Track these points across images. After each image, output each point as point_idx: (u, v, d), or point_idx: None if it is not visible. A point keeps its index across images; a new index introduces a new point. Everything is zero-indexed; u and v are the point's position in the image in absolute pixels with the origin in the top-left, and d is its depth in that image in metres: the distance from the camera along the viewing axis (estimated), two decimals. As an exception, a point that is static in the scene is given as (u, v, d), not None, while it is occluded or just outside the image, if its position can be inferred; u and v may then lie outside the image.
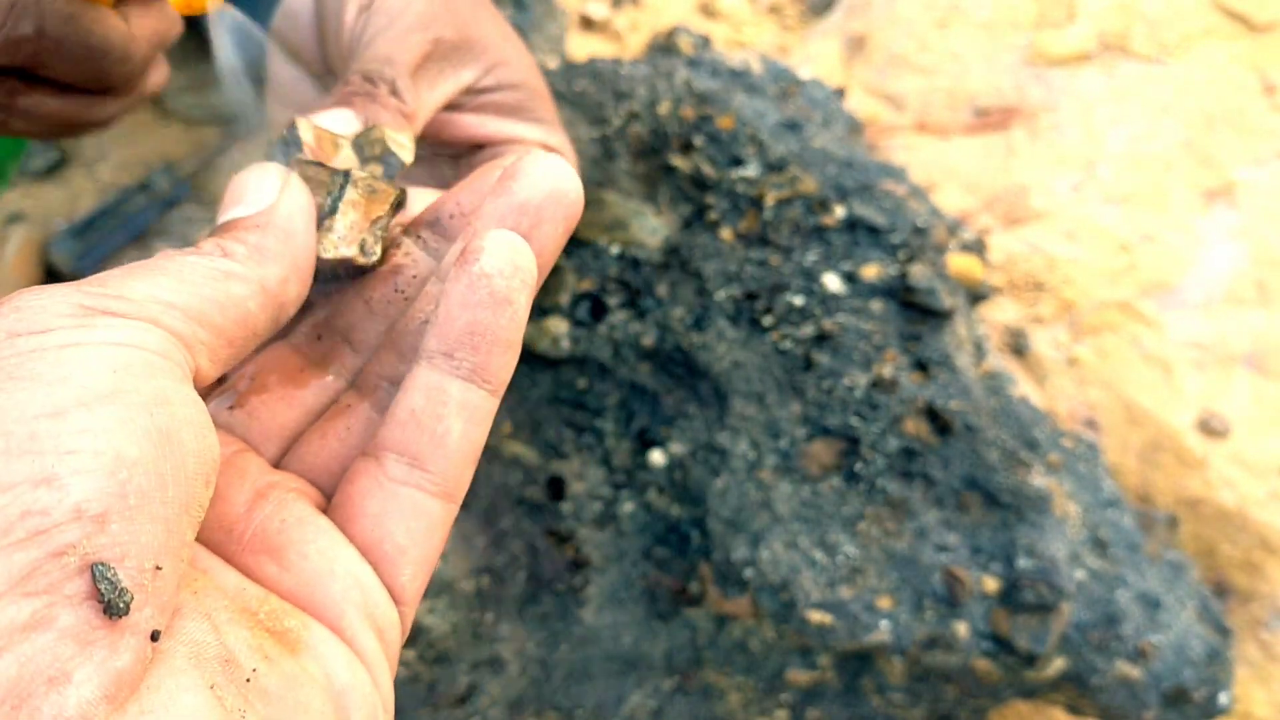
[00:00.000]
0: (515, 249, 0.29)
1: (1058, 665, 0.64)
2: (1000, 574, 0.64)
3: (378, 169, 0.39)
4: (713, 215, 0.72)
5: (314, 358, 0.34)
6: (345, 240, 0.34)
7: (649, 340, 0.69)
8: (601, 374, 0.69)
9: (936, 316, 0.70)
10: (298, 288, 0.30)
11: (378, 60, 0.42)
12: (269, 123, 0.54)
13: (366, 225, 0.35)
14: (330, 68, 0.51)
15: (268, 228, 0.30)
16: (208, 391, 0.33)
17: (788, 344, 0.68)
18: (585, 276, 0.70)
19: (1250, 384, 0.90)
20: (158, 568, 0.21)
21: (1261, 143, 1.03)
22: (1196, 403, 0.90)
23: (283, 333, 0.35)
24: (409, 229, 0.36)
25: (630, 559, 0.68)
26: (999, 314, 0.95)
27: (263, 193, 0.31)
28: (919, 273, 0.70)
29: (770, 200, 0.72)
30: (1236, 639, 0.76)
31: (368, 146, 0.39)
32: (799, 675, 0.67)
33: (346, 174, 0.35)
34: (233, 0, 0.52)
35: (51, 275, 0.90)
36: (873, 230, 0.72)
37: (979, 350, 0.75)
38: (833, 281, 0.70)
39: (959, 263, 0.76)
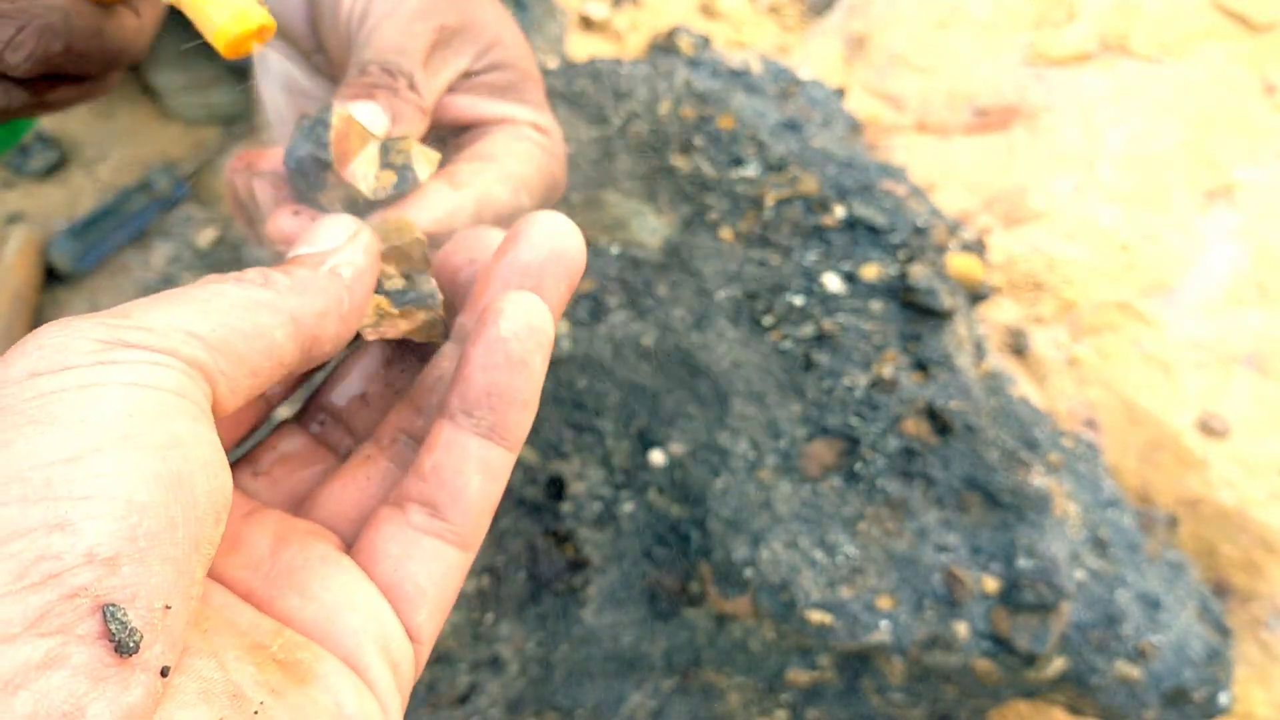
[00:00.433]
0: (532, 312, 0.31)
1: (1058, 665, 0.64)
2: (1000, 574, 0.64)
3: (391, 177, 0.39)
4: (713, 215, 0.72)
5: (330, 443, 0.36)
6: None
7: (649, 340, 0.69)
8: (601, 374, 0.69)
9: (936, 316, 0.70)
10: (337, 326, 0.30)
11: (392, 50, 0.43)
12: (258, 99, 0.54)
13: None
14: (321, 44, 0.51)
15: (318, 265, 0.31)
16: (232, 426, 0.34)
17: (788, 344, 0.68)
18: (585, 276, 0.70)
19: (1250, 384, 0.90)
20: (167, 607, 0.22)
21: (1261, 143, 1.03)
22: (1196, 403, 0.90)
23: (302, 420, 0.36)
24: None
25: (630, 559, 0.67)
26: (999, 314, 0.95)
27: (331, 237, 0.32)
28: (919, 273, 0.70)
29: (770, 200, 0.72)
30: (1236, 639, 0.76)
31: (394, 154, 0.39)
32: (799, 675, 0.67)
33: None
34: None
35: (51, 275, 0.91)
36: (873, 230, 0.72)
37: (979, 350, 0.75)
38: (833, 281, 0.70)
39: (959, 263, 0.76)
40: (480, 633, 0.68)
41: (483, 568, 0.68)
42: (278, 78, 0.53)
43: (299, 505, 0.33)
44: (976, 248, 0.79)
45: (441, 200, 0.42)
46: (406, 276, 0.36)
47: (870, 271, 0.70)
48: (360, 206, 0.40)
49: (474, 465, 0.31)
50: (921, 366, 0.69)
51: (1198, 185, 1.01)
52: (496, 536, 0.68)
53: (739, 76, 0.86)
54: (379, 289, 0.35)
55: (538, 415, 0.33)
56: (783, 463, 0.66)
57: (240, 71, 0.96)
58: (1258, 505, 0.85)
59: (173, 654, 0.22)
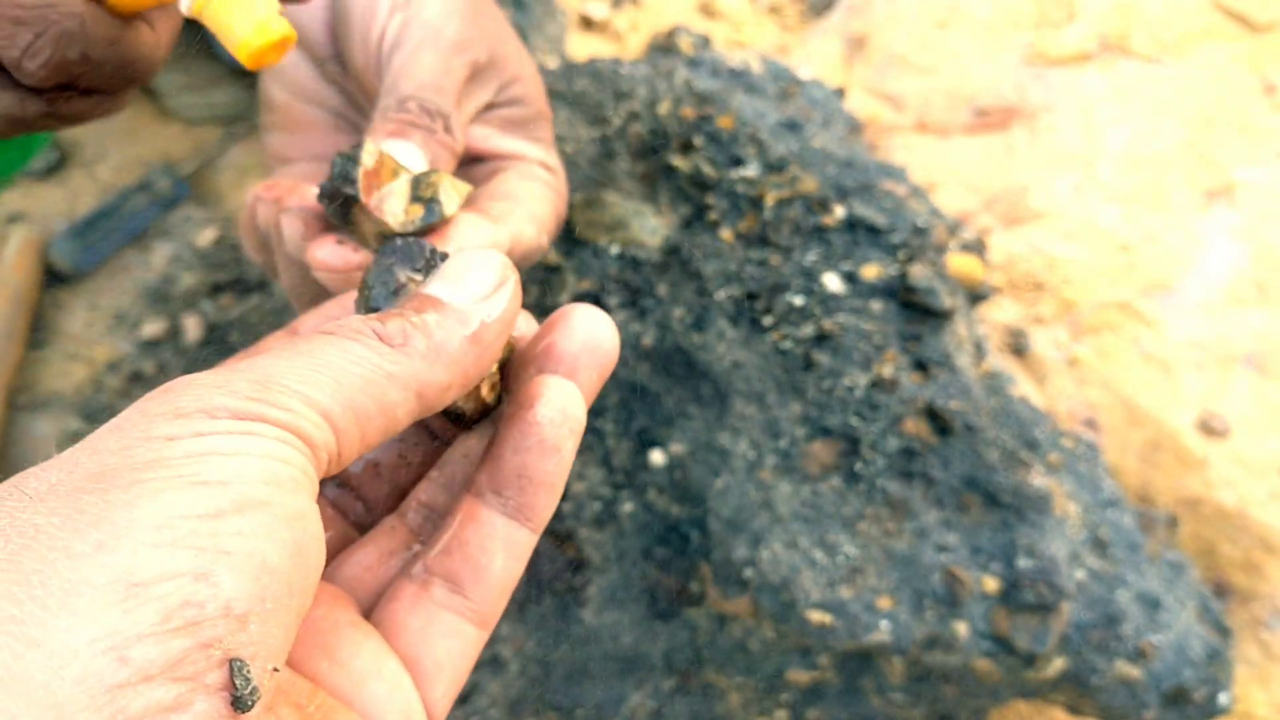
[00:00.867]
0: (568, 398, 0.31)
1: (1058, 665, 0.64)
2: (1000, 574, 0.64)
3: (419, 210, 0.40)
4: (713, 215, 0.72)
5: (341, 507, 0.36)
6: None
7: (649, 340, 0.69)
8: (601, 374, 0.69)
9: (936, 316, 0.70)
10: (454, 396, 0.30)
11: (431, 89, 0.43)
12: (263, 100, 0.54)
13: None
14: (340, 56, 0.51)
15: (459, 327, 0.29)
16: None
17: (788, 344, 0.68)
18: (585, 276, 0.70)
19: (1250, 384, 0.90)
20: (275, 669, 0.23)
21: (1261, 143, 1.03)
22: (1196, 403, 0.90)
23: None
24: None
25: (630, 559, 0.67)
26: (999, 314, 0.95)
27: (478, 284, 0.31)
28: (919, 273, 0.70)
29: (770, 200, 0.72)
30: (1236, 639, 0.76)
31: (423, 186, 0.40)
32: (799, 675, 0.67)
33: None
34: None
35: (51, 275, 0.91)
36: (873, 230, 0.72)
37: (979, 350, 0.75)
38: (833, 281, 0.70)
39: (959, 263, 0.76)
40: (480, 633, 0.68)
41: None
42: (286, 83, 0.53)
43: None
44: (976, 248, 0.79)
45: (483, 232, 0.43)
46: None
47: (870, 271, 0.70)
48: (390, 239, 0.41)
49: (499, 543, 0.31)
50: (921, 366, 0.69)
51: (1198, 185, 1.01)
52: (496, 536, 0.68)
53: (739, 76, 0.86)
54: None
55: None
56: (783, 463, 0.66)
57: (240, 72, 0.96)
58: (1258, 505, 0.85)
59: (269, 717, 0.24)
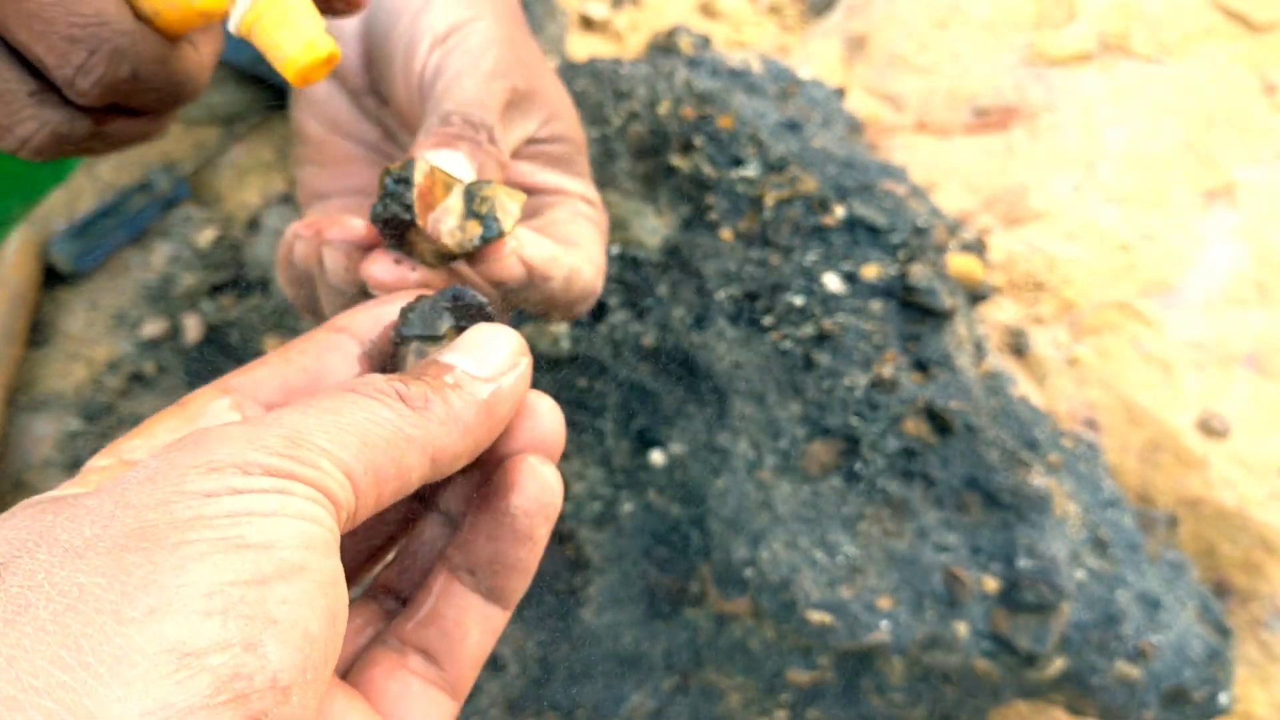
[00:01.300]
0: (544, 485, 0.32)
1: (1058, 665, 0.64)
2: (1000, 574, 0.64)
3: (476, 227, 0.40)
4: (713, 215, 0.72)
5: None
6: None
7: (649, 340, 0.69)
8: (601, 374, 0.69)
9: (936, 316, 0.70)
10: (463, 464, 0.30)
11: (473, 104, 0.43)
12: (296, 132, 0.53)
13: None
14: (382, 91, 0.51)
15: (475, 398, 0.30)
16: None
17: (788, 344, 0.68)
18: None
19: (1250, 384, 0.90)
20: None
21: (1261, 143, 1.03)
22: (1196, 403, 0.90)
23: None
24: None
25: (630, 559, 0.67)
26: (999, 314, 0.95)
27: (496, 358, 0.31)
28: (919, 273, 0.70)
29: (770, 200, 0.72)
30: (1236, 639, 0.76)
31: (478, 202, 0.40)
32: (799, 675, 0.67)
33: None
34: None
35: (51, 275, 0.91)
36: (873, 230, 0.72)
37: (979, 350, 0.75)
38: (833, 281, 0.70)
39: (959, 263, 0.76)
40: (480, 633, 0.68)
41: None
42: (322, 117, 0.52)
43: None
44: (976, 248, 0.79)
45: (547, 245, 0.43)
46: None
47: (870, 271, 0.70)
48: (447, 257, 0.41)
49: (474, 619, 0.32)
50: (921, 366, 0.69)
51: (1198, 185, 1.01)
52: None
53: (739, 76, 0.86)
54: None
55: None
56: (783, 463, 0.66)
57: (240, 72, 0.96)
58: (1258, 505, 0.85)
59: None
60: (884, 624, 0.62)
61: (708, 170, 0.73)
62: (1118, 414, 0.90)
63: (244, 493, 0.23)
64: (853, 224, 0.72)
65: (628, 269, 0.70)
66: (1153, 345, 0.93)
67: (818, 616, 0.62)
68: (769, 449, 0.66)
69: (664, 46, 0.91)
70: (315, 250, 0.43)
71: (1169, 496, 0.87)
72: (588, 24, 1.20)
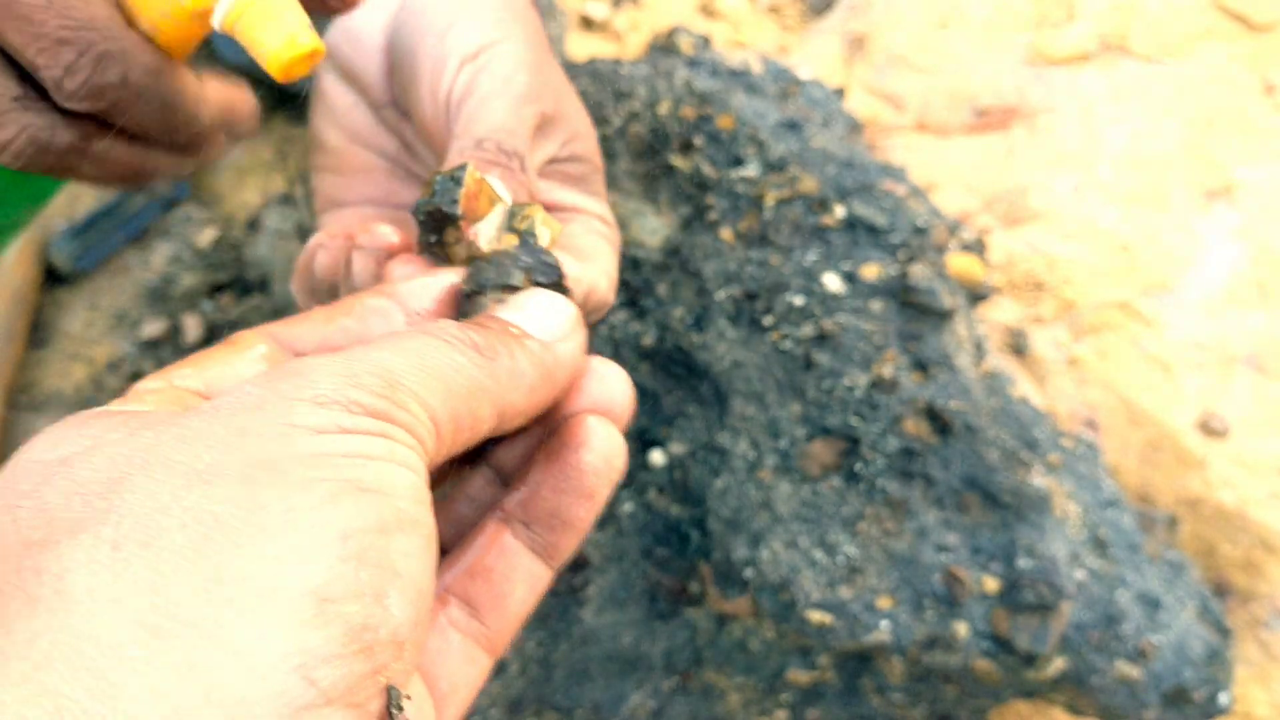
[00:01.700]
0: (613, 445, 0.31)
1: (1058, 665, 0.64)
2: (1000, 574, 0.64)
3: (513, 240, 0.41)
4: (713, 215, 0.72)
5: None
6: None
7: (649, 340, 0.69)
8: (601, 374, 0.69)
9: (936, 316, 0.70)
10: (520, 423, 0.30)
11: (505, 131, 0.44)
12: (315, 141, 0.53)
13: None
14: (397, 102, 0.51)
15: (539, 361, 0.30)
16: None
17: (788, 344, 0.68)
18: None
19: (1250, 384, 0.90)
20: (408, 697, 0.23)
21: (1261, 143, 1.03)
22: (1196, 403, 0.90)
23: None
24: None
25: (630, 559, 0.68)
26: (999, 314, 0.95)
27: (557, 324, 0.31)
28: (919, 273, 0.70)
29: (770, 200, 0.72)
30: (1236, 639, 0.76)
31: (518, 220, 0.41)
32: (799, 675, 0.67)
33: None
34: None
35: (51, 275, 0.91)
36: (873, 230, 0.72)
37: (979, 350, 0.75)
38: (833, 281, 0.70)
39: (959, 263, 0.76)
40: (480, 633, 0.68)
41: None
42: (342, 126, 0.53)
43: None
44: (976, 248, 0.79)
45: (571, 265, 0.43)
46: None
47: (870, 271, 0.70)
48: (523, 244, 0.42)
49: (522, 575, 0.31)
50: (921, 366, 0.69)
51: (1198, 185, 1.01)
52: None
53: (739, 76, 0.86)
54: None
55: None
56: (783, 463, 0.66)
57: (240, 72, 0.96)
58: (1258, 505, 0.85)
59: None
60: (884, 624, 0.62)
61: (708, 170, 0.73)
62: (1118, 414, 0.90)
63: (352, 433, 0.23)
64: (853, 224, 0.72)
65: (627, 269, 0.70)
66: (1153, 345, 0.93)
67: (818, 616, 0.62)
68: (769, 449, 0.66)
69: (664, 46, 0.91)
70: (342, 256, 0.44)
71: (1169, 496, 0.87)
72: (588, 24, 1.20)
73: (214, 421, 0.23)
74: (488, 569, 0.31)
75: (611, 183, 0.73)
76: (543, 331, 0.31)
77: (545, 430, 0.33)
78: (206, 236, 0.92)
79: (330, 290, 0.46)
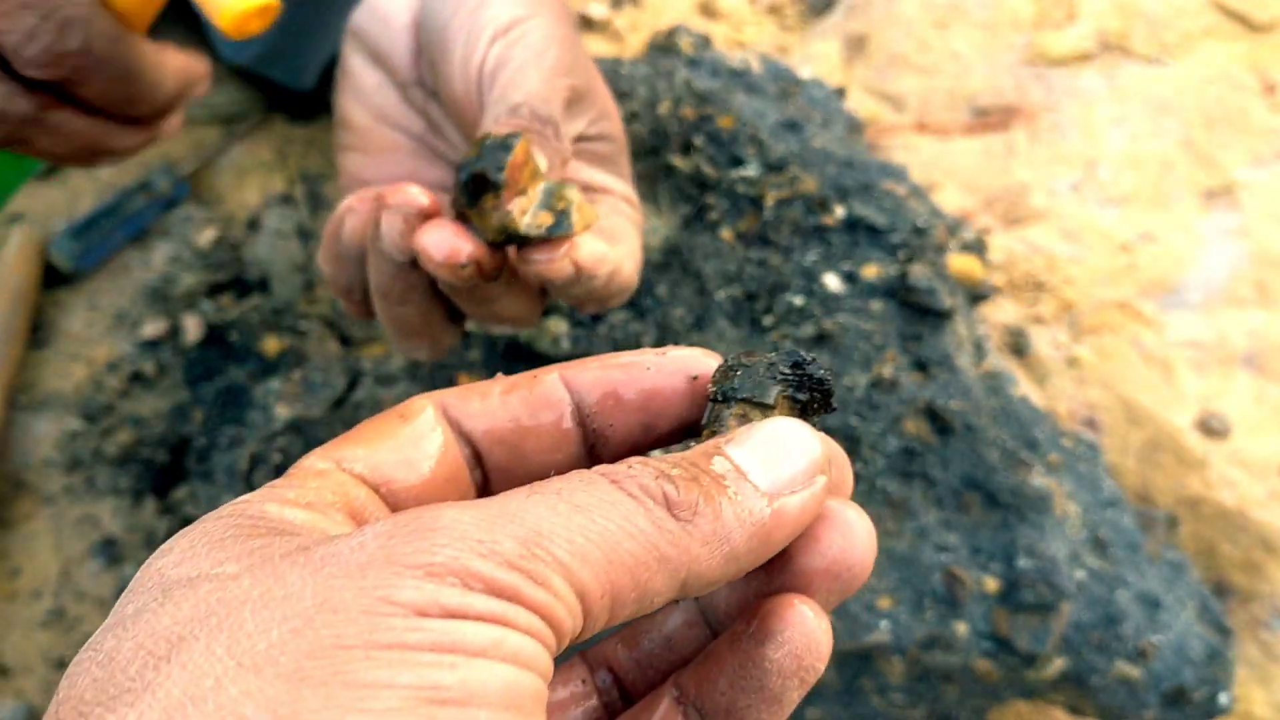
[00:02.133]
0: (810, 644, 0.25)
1: (1058, 665, 0.64)
2: (1000, 574, 0.64)
3: (548, 218, 0.40)
4: (713, 215, 0.72)
5: None
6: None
7: (649, 340, 0.69)
8: (601, 374, 0.69)
9: (936, 316, 0.70)
10: (714, 588, 0.25)
11: (539, 99, 0.44)
12: (341, 120, 0.54)
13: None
14: (423, 81, 0.51)
15: (754, 521, 0.24)
16: None
17: (788, 344, 0.68)
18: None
19: (1250, 384, 0.90)
20: None
21: (1261, 143, 1.03)
22: (1196, 403, 0.89)
23: None
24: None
25: (630, 559, 0.67)
26: (999, 314, 0.95)
27: (792, 466, 0.25)
28: (919, 273, 0.70)
29: (770, 200, 0.72)
30: (1236, 639, 0.76)
31: (555, 198, 0.41)
32: (799, 675, 0.67)
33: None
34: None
35: (51, 275, 0.90)
36: (873, 230, 0.72)
37: (979, 350, 0.75)
38: (833, 281, 0.70)
39: (959, 263, 0.76)
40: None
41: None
42: (368, 105, 0.53)
43: None
44: (976, 248, 0.79)
45: (598, 245, 0.43)
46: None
47: (870, 271, 0.70)
48: (508, 237, 0.41)
49: None
50: (921, 366, 0.69)
51: (1198, 185, 1.01)
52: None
53: (739, 76, 0.86)
54: None
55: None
56: (783, 463, 0.66)
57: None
58: (1258, 505, 0.85)
59: None
60: (884, 624, 0.62)
61: (708, 170, 0.73)
62: (1118, 414, 0.90)
63: (458, 616, 0.20)
64: (853, 224, 0.72)
65: (628, 269, 0.70)
66: (1153, 345, 0.93)
67: (818, 616, 0.62)
68: (769, 449, 0.66)
69: (664, 46, 0.91)
70: (370, 220, 0.43)
71: (1169, 496, 0.87)
72: (588, 24, 1.20)
73: (306, 581, 0.20)
74: None
75: (611, 183, 0.73)
76: (769, 479, 0.25)
77: (747, 590, 0.28)
78: (206, 236, 0.92)
79: (358, 258, 0.46)
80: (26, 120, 0.41)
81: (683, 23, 1.00)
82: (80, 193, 0.95)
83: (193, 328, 0.86)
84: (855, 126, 0.89)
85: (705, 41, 0.93)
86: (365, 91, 0.53)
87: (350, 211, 0.45)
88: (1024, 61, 1.10)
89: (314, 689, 0.18)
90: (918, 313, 0.70)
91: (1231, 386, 0.90)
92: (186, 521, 0.68)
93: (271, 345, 0.80)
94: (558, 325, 0.69)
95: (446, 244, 0.40)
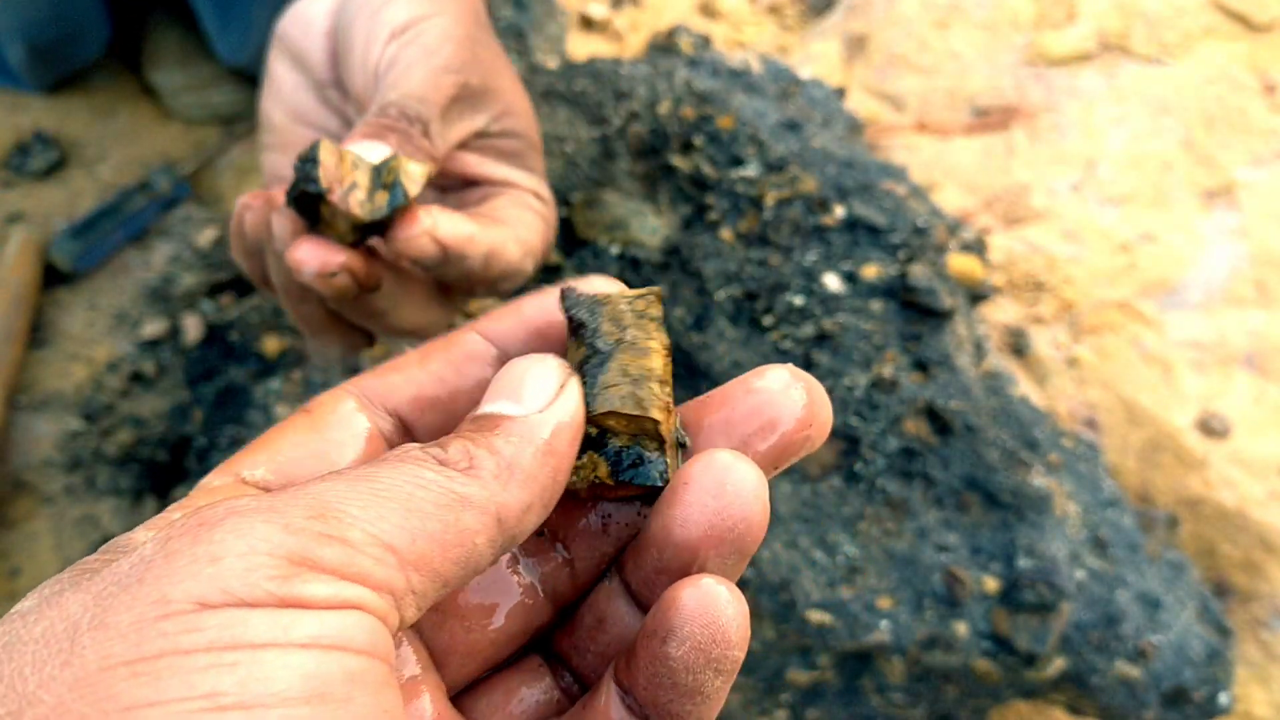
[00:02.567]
0: (713, 631, 0.24)
1: (1058, 665, 0.64)
2: (1000, 574, 0.64)
3: (384, 197, 0.41)
4: (713, 215, 0.72)
5: (523, 549, 0.30)
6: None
7: (649, 340, 0.69)
8: (601, 374, 0.69)
9: (936, 316, 0.70)
10: (538, 517, 0.25)
11: (414, 98, 0.45)
12: (263, 121, 0.55)
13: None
14: (339, 82, 0.53)
15: (529, 440, 0.25)
16: None
17: (788, 344, 0.68)
18: (585, 276, 0.70)
19: (1250, 384, 0.90)
20: None
21: (1261, 143, 1.03)
22: (1196, 403, 0.89)
23: None
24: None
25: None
26: (999, 314, 0.95)
27: (538, 393, 0.26)
28: (919, 273, 0.70)
29: (770, 200, 0.72)
30: (1236, 639, 0.76)
31: (385, 174, 0.41)
32: (799, 675, 0.67)
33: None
34: None
35: (51, 275, 0.91)
36: (873, 230, 0.72)
37: (979, 350, 0.75)
38: (833, 281, 0.70)
39: (959, 263, 0.76)
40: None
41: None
42: (287, 106, 0.55)
43: (465, 665, 0.29)
44: (976, 248, 0.79)
45: (463, 225, 0.44)
46: (636, 439, 0.28)
47: (870, 271, 0.70)
48: (362, 230, 0.42)
49: None
50: (921, 366, 0.69)
51: (1198, 185, 1.01)
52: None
53: (739, 76, 0.86)
54: (599, 448, 0.28)
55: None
56: (783, 463, 0.66)
57: (240, 72, 0.96)
58: (1258, 505, 0.85)
59: None
60: (884, 624, 0.62)
61: (708, 170, 0.73)
62: (1118, 414, 0.90)
63: (245, 604, 0.19)
64: (853, 224, 0.72)
65: (628, 269, 0.70)
66: (1153, 345, 0.93)
67: (818, 616, 0.62)
68: (769, 449, 0.66)
69: (664, 46, 0.91)
70: (264, 219, 0.45)
71: (1169, 496, 0.87)
72: (588, 24, 1.20)
73: (85, 605, 0.20)
74: None
75: (611, 183, 0.73)
76: (526, 405, 0.26)
77: (646, 568, 0.27)
78: (206, 236, 0.92)
79: (258, 251, 0.47)
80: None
81: (683, 23, 1.00)
82: (80, 193, 0.95)
83: (193, 328, 0.86)
84: (855, 126, 0.89)
85: (705, 41, 0.93)
86: (284, 93, 0.54)
87: (247, 209, 0.46)
88: (1024, 61, 1.10)
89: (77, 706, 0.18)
90: (918, 313, 0.70)
91: (1231, 386, 0.90)
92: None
93: (271, 345, 0.80)
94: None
95: (317, 256, 0.41)
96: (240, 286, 0.88)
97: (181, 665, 0.18)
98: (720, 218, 0.72)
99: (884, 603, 0.63)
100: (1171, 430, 0.88)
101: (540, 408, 0.26)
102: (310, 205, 0.41)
